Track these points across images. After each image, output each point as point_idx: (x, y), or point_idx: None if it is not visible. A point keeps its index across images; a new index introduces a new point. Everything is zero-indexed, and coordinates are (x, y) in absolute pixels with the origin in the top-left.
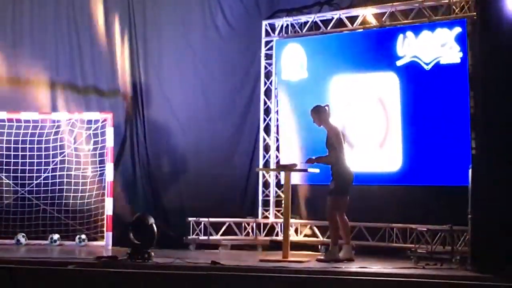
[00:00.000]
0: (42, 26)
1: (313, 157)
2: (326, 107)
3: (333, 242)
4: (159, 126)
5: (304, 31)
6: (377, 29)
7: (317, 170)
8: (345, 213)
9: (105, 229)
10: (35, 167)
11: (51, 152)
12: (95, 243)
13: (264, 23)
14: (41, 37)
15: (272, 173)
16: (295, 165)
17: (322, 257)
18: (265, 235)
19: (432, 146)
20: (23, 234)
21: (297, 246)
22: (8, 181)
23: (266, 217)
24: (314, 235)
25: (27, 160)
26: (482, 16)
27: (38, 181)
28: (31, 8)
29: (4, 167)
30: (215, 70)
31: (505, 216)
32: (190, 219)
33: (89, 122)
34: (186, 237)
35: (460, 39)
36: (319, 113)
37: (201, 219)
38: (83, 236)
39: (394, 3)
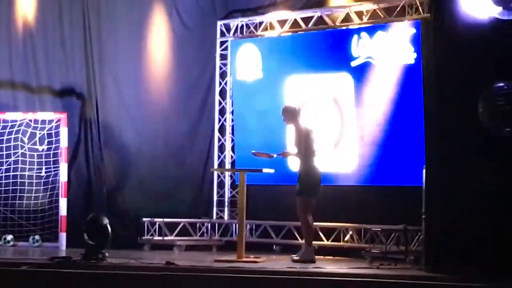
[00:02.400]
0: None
1: (288, 151)
2: (298, 108)
3: (307, 242)
4: (113, 126)
5: (259, 31)
6: (332, 29)
7: (271, 171)
8: (311, 215)
9: (59, 229)
10: None
11: (4, 152)
12: (49, 243)
13: (219, 23)
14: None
15: (227, 174)
16: (272, 155)
17: (297, 258)
18: (220, 236)
19: (387, 147)
20: None
21: (252, 246)
22: None
23: (221, 218)
24: (268, 235)
25: None
26: (436, 17)
27: None
28: None
29: None
30: (170, 70)
31: (458, 216)
32: (144, 219)
33: (43, 122)
34: (140, 238)
35: (414, 40)
36: (290, 112)
37: (155, 219)
38: (37, 237)
39: (348, 4)
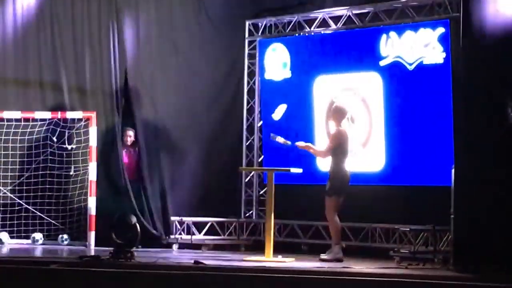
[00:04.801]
0: (25, 25)
1: (303, 143)
2: (347, 111)
3: (335, 241)
4: (142, 125)
5: (287, 31)
6: (360, 29)
7: (299, 170)
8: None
9: (87, 228)
10: (17, 166)
11: (33, 151)
12: (77, 242)
13: (248, 22)
14: (24, 38)
15: (255, 173)
16: (287, 142)
17: (325, 257)
18: (248, 235)
19: (415, 146)
20: (5, 233)
21: (280, 246)
22: None
23: (249, 217)
24: (296, 235)
25: (10, 159)
26: (465, 16)
27: (20, 180)
28: (14, 8)
29: None
30: (198, 70)
31: (487, 216)
32: (173, 218)
33: (72, 121)
34: (168, 237)
35: (443, 40)
36: (340, 112)
37: (184, 218)
38: (66, 236)
39: (377, 3)
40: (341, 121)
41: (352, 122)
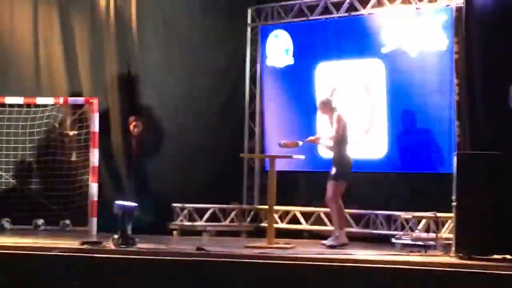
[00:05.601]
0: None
1: (312, 137)
2: (331, 96)
3: (340, 226)
4: (144, 112)
5: (289, 17)
6: (363, 15)
7: (302, 157)
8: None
9: (89, 214)
10: (19, 152)
11: (35, 137)
12: (79, 228)
13: (250, 9)
14: (26, 22)
15: (257, 160)
16: (297, 143)
17: (331, 243)
18: (250, 222)
19: (417, 133)
20: (7, 219)
21: (282, 232)
22: None
23: (251, 204)
24: (298, 221)
25: (12, 145)
26: (468, 2)
27: (22, 166)
28: None
29: None
30: (201, 56)
31: (489, 204)
32: (174, 205)
33: (74, 107)
34: (170, 223)
35: (446, 26)
36: (326, 104)
37: (185, 205)
38: (68, 222)
39: None
40: (334, 108)
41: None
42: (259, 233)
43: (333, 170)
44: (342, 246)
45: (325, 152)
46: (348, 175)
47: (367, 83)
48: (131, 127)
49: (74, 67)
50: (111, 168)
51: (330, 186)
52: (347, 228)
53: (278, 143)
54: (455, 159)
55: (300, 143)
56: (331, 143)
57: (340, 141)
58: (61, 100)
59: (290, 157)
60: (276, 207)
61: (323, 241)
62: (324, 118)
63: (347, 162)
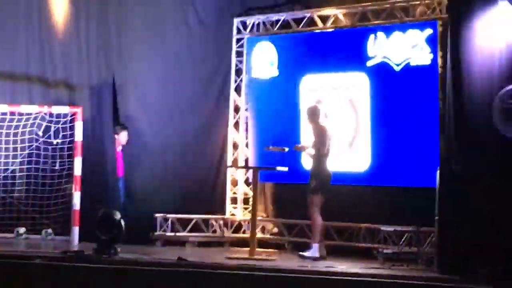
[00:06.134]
0: (12, 19)
1: (299, 145)
2: (319, 106)
3: (317, 240)
4: (128, 121)
5: (275, 29)
6: (348, 29)
7: (285, 169)
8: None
9: (71, 223)
10: (2, 160)
11: (19, 145)
12: (61, 237)
13: (236, 20)
14: (12, 31)
15: (241, 171)
16: (284, 148)
17: (305, 254)
18: (233, 232)
19: (401, 147)
20: None
21: (264, 244)
22: None
23: (234, 215)
24: (280, 233)
25: None
26: (454, 17)
27: (5, 174)
28: (2, 2)
29: None
30: (185, 66)
31: (471, 218)
32: (157, 215)
33: (58, 115)
34: (153, 233)
35: (431, 41)
36: (313, 112)
37: (168, 215)
38: (50, 230)
39: (365, 4)
40: (318, 119)
41: (325, 117)
42: (242, 244)
43: (311, 183)
44: (315, 259)
45: (308, 164)
46: (326, 188)
47: (351, 96)
48: (120, 137)
49: (57, 74)
50: (96, 177)
51: (309, 199)
52: (330, 241)
53: (265, 148)
54: (438, 173)
55: (287, 149)
56: (312, 152)
57: (320, 153)
58: (45, 109)
59: (274, 168)
60: (259, 218)
61: (301, 253)
62: (309, 127)
63: (326, 175)
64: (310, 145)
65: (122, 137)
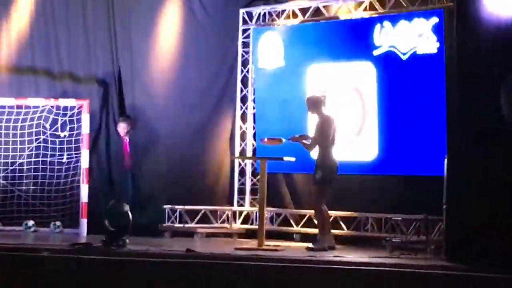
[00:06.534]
0: (19, 14)
1: (297, 135)
2: (323, 97)
3: (323, 231)
4: (135, 113)
5: (281, 19)
6: (354, 18)
7: (292, 159)
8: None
9: (80, 216)
10: (10, 153)
11: (26, 138)
12: (70, 230)
13: (242, 11)
14: (17, 24)
15: (248, 162)
16: (280, 140)
17: (312, 246)
18: (241, 223)
19: (408, 136)
20: None
21: (272, 234)
22: None
23: (242, 205)
24: (289, 223)
25: (2, 146)
26: (459, 6)
27: (13, 167)
28: None
29: None
30: (192, 57)
31: (479, 206)
32: (165, 206)
33: (65, 108)
34: (161, 225)
35: (437, 30)
36: (314, 101)
37: (176, 206)
38: (58, 223)
39: None
40: (320, 109)
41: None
42: (250, 235)
43: (317, 174)
44: (322, 250)
45: (314, 155)
46: (332, 179)
47: (358, 85)
48: (119, 128)
49: (64, 67)
50: (103, 170)
51: (315, 189)
52: (338, 230)
53: (260, 139)
54: (445, 162)
55: (284, 140)
56: (310, 148)
57: (324, 144)
58: (52, 102)
59: (281, 159)
60: (267, 209)
61: (309, 245)
62: (312, 117)
63: (332, 165)
64: (309, 136)
65: (120, 128)
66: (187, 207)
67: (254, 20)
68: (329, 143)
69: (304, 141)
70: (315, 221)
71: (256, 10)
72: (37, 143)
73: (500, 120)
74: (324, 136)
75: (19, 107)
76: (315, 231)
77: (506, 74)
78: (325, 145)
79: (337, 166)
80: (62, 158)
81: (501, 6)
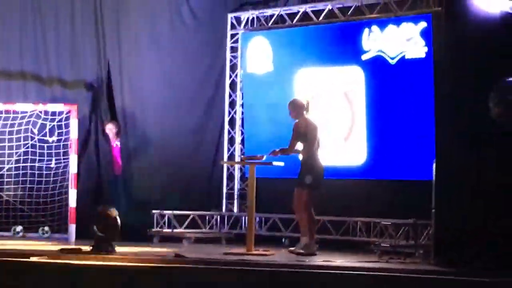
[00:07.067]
0: (7, 17)
1: (277, 149)
2: (306, 102)
3: (311, 235)
4: (123, 117)
5: (269, 24)
6: (342, 22)
7: (281, 164)
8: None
9: (68, 221)
10: None
11: (14, 143)
12: (58, 235)
13: (230, 15)
14: (6, 28)
15: (237, 166)
16: (262, 156)
17: (300, 250)
18: (229, 228)
19: (397, 140)
20: None
21: (261, 239)
22: None
23: (230, 210)
24: (277, 228)
25: None
26: (447, 10)
27: (1, 172)
28: None
29: None
30: (180, 62)
31: (468, 211)
32: (154, 211)
33: (54, 113)
34: (149, 230)
35: (425, 34)
36: (295, 106)
37: (165, 211)
38: (46, 228)
39: None
40: (301, 114)
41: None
42: (239, 240)
43: (305, 178)
44: (312, 255)
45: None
46: (321, 182)
47: (346, 90)
48: (107, 129)
49: (52, 72)
50: (92, 175)
51: (300, 194)
52: (326, 235)
53: (240, 157)
54: (434, 166)
55: (264, 157)
56: (288, 152)
57: (311, 149)
58: (40, 107)
59: (270, 163)
60: (256, 214)
61: (291, 248)
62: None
63: (320, 169)
64: (290, 145)
65: (108, 129)
66: (175, 212)
67: (242, 25)
68: (315, 148)
69: (280, 151)
70: (303, 225)
71: (245, 15)
72: (25, 148)
73: (492, 122)
74: (303, 137)
75: (7, 112)
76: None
77: (494, 77)
78: (312, 150)
79: (324, 169)
80: (50, 163)
81: (490, 6)
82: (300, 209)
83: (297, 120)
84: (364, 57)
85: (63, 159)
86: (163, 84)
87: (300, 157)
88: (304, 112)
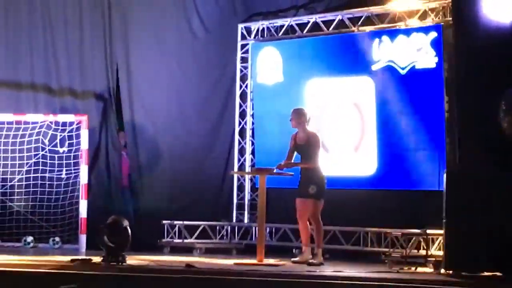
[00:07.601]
0: (17, 28)
1: (282, 163)
2: (308, 115)
3: (320, 245)
4: (134, 129)
5: (280, 34)
6: (353, 33)
7: (291, 174)
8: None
9: (79, 231)
10: (9, 169)
11: (25, 154)
12: (69, 245)
13: (240, 26)
14: (16, 39)
15: (247, 177)
16: (271, 169)
17: (313, 261)
18: (240, 239)
19: (407, 150)
20: None
21: (271, 249)
22: None
23: (241, 221)
24: (288, 239)
25: (1, 162)
26: (457, 20)
27: (12, 183)
28: (5, 10)
29: None
30: (190, 73)
31: (479, 221)
32: (164, 222)
33: (64, 124)
34: (160, 240)
35: (435, 44)
36: (300, 115)
37: (175, 222)
38: (57, 239)
39: (370, 8)
40: (303, 124)
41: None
42: (250, 250)
43: (312, 189)
44: (320, 265)
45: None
46: (324, 193)
47: (356, 100)
48: (119, 138)
49: (63, 83)
50: (103, 185)
51: (310, 204)
52: (337, 245)
53: (250, 167)
54: (444, 176)
55: (274, 170)
56: (310, 165)
57: (317, 159)
58: (50, 117)
59: (280, 174)
60: (266, 224)
61: (293, 259)
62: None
63: (323, 180)
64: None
65: (120, 138)
66: (186, 222)
67: (252, 35)
68: (318, 158)
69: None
70: (314, 235)
71: (255, 25)
72: (36, 159)
73: (500, 134)
74: (292, 153)
75: (18, 122)
76: (314, 246)
77: (504, 88)
78: (317, 160)
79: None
80: (61, 174)
81: (500, 16)
82: (305, 219)
83: (306, 132)
84: (374, 67)
85: (74, 169)
86: (172, 94)
87: (307, 168)
88: (306, 123)
